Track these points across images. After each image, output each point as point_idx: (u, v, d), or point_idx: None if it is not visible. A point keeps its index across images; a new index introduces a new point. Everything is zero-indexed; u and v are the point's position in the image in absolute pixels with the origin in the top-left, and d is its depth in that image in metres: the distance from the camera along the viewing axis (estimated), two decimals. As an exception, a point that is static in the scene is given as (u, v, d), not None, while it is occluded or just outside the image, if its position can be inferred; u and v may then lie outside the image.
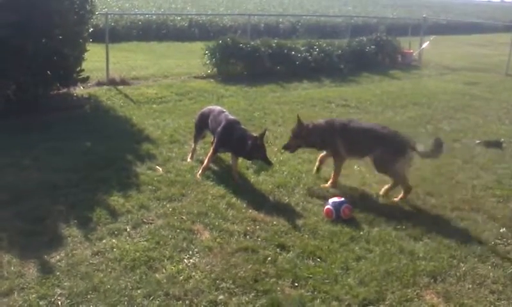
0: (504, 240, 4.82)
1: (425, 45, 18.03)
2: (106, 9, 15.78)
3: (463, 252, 4.52)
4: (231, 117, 6.16)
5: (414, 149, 5.46)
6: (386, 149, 5.52)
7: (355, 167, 6.54)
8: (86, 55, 9.44)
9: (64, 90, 9.42)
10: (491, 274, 4.22)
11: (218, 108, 6.44)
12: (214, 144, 6.13)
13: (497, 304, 3.83)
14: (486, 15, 41.65)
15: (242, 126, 6.10)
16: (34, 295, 3.61)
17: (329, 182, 5.88)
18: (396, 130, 5.83)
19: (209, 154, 6.09)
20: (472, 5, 52.56)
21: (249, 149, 5.71)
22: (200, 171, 5.96)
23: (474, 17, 37.17)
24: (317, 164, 6.15)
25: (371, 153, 5.63)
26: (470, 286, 4.04)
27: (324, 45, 14.80)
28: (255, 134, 5.85)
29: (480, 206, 5.54)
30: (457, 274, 4.19)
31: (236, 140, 5.84)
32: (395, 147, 5.52)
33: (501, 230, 5.00)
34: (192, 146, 6.62)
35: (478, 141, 8.01)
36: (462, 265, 4.32)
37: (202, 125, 6.47)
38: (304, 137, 5.89)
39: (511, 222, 5.19)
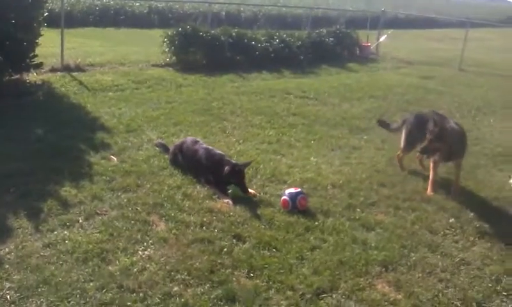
0: (453, 230, 4.98)
1: (382, 38, 18.35)
2: (62, -7, 15.28)
3: (414, 242, 4.64)
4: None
5: None
6: None
7: (311, 158, 6.62)
8: (40, 40, 9.10)
9: (17, 76, 9.08)
10: (440, 263, 4.35)
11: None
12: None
13: (445, 292, 3.94)
14: (444, 10, 42.88)
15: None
16: (-20, 289, 3.49)
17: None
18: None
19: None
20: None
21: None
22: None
23: (433, 13, 38.06)
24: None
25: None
26: (420, 275, 4.15)
27: (285, 35, 14.81)
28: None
29: (430, 197, 5.70)
30: (408, 263, 4.29)
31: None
32: None
33: (450, 220, 5.16)
34: None
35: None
36: (412, 254, 4.44)
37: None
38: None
39: (459, 212, 5.36)
